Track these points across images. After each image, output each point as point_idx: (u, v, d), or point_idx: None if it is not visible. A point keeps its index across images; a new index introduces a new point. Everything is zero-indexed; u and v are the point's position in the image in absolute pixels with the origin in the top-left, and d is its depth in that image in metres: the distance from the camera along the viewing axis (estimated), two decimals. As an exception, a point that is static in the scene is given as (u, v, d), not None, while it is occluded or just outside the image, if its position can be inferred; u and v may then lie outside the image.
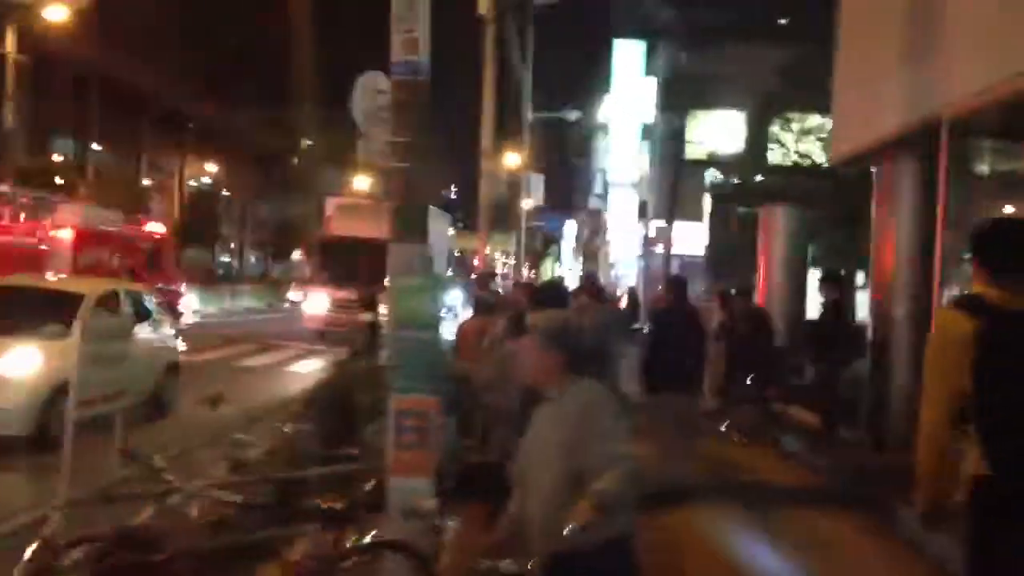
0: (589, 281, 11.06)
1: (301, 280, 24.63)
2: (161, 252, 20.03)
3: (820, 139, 13.38)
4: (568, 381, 3.15)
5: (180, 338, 11.96)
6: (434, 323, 5.87)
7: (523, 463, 3.28)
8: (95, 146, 34.21)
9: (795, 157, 14.35)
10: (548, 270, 47.22)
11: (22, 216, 16.28)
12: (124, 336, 8.64)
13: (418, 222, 5.95)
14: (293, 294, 30.70)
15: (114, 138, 34.72)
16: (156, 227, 21.50)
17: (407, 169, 5.68)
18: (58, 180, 28.74)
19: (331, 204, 22.73)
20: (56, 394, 8.16)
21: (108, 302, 9.66)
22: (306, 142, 49.24)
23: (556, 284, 10.71)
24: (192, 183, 42.81)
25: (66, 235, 15.95)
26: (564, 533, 2.86)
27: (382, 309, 13.65)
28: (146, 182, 37.63)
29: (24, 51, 22.68)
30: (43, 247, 15.48)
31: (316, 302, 20.14)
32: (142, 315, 10.64)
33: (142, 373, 9.72)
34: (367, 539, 4.16)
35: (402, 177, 5.68)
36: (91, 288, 9.74)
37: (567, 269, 43.08)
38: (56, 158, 31.96)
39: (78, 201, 20.09)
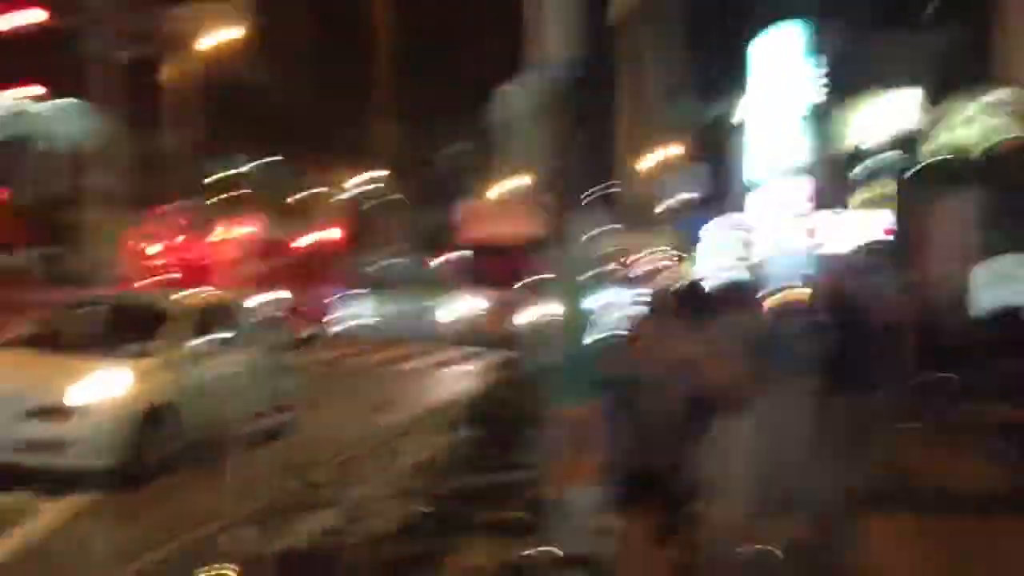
0: (734, 286, 10.57)
1: (445, 284, 25.10)
2: (325, 260, 20.85)
3: (1012, 113, 12.34)
4: (765, 390, 2.93)
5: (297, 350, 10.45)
6: (592, 327, 5.72)
7: (713, 473, 3.09)
8: (264, 161, 36.11)
9: (980, 135, 13.27)
10: (694, 268, 46.12)
11: (196, 230, 17.30)
12: (290, 349, 8.16)
13: (569, 225, 5.82)
14: (441, 298, 31.37)
15: (281, 152, 36.49)
16: (320, 236, 22.42)
17: (555, 172, 5.57)
18: (231, 195, 30.49)
19: (464, 208, 22.74)
20: (144, 420, 7.57)
21: (202, 317, 8.82)
22: (455, 148, 50.38)
23: (740, 284, 10.10)
24: (353, 193, 44.53)
25: (236, 247, 16.83)
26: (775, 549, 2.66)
27: (532, 312, 13.53)
28: (312, 192, 39.44)
29: (201, 74, 24.17)
30: (215, 258, 16.38)
31: (456, 306, 20.28)
32: (241, 332, 9.38)
33: (254, 392, 8.83)
34: (539, 550, 4.04)
35: (550, 180, 5.58)
36: (184, 302, 9.01)
37: (711, 267, 41.82)
38: (229, 174, 33.85)
39: (249, 215, 21.16)
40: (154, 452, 7.65)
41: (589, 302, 5.75)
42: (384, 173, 45.28)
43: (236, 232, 17.24)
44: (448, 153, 50.21)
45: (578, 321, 5.26)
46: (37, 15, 20.24)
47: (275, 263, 18.06)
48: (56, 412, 7.24)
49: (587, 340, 5.37)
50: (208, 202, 23.65)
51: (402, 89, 40.78)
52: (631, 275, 21.91)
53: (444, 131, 47.38)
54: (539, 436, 5.41)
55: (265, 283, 17.10)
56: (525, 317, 16.17)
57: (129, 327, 8.43)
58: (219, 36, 18.39)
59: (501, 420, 6.41)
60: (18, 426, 7.13)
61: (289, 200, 34.82)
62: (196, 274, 15.00)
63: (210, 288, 11.76)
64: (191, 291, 11.18)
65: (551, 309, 5.24)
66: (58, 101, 26.97)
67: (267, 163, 36.86)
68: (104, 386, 7.50)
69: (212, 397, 8.26)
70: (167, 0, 18.44)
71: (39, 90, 25.73)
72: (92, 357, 7.85)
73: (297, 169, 39.17)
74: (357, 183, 45.16)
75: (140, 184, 24.74)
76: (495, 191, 40.23)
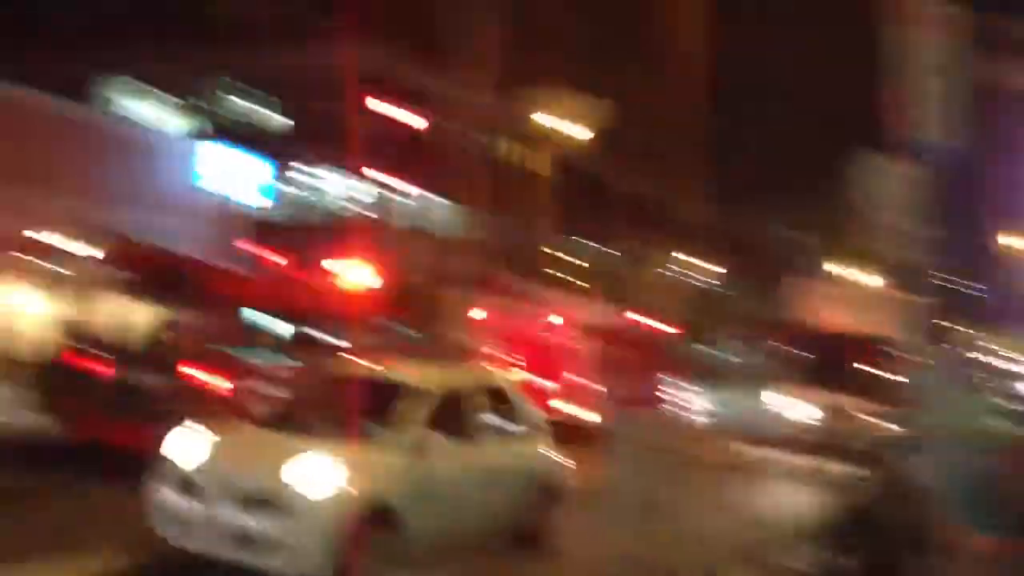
0: None
1: (781, 375, 23.69)
2: (671, 347, 20.79)
3: None
4: None
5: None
6: (996, 442, 5.03)
7: None
8: (607, 249, 37.46)
9: None
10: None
11: (545, 314, 18.04)
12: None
13: (932, 320, 5.28)
14: (778, 391, 29.61)
15: (623, 240, 37.76)
16: (665, 324, 22.47)
17: (918, 261, 5.13)
18: (567, 277, 31.89)
19: (803, 290, 21.20)
20: (366, 522, 6.20)
21: (457, 400, 7.64)
22: (790, 231, 48.86)
23: None
24: (684, 276, 44.74)
25: (588, 331, 17.28)
26: None
27: (889, 415, 12.17)
28: (643, 275, 40.14)
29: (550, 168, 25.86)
30: (566, 342, 16.87)
31: (791, 404, 18.62)
32: (508, 419, 8.29)
33: (503, 494, 7.71)
34: None
35: (911, 269, 5.14)
36: (436, 381, 7.59)
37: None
38: (575, 260, 35.47)
39: (596, 300, 21.81)
40: (374, 557, 6.28)
41: (968, 410, 5.12)
42: (714, 255, 45.04)
43: (584, 316, 17.80)
44: (782, 235, 48.75)
45: (965, 432, 4.68)
46: (414, 118, 22.80)
47: (623, 348, 18.25)
48: (263, 502, 6.22)
49: (980, 455, 4.74)
50: (545, 284, 24.82)
51: (728, 171, 40.76)
52: (1010, 382, 19.44)
53: (775, 211, 46.25)
54: (931, 567, 4.81)
55: (597, 368, 17.31)
56: (880, 420, 14.70)
57: (370, 405, 7.05)
58: (572, 131, 19.56)
59: (875, 544, 5.81)
60: (226, 513, 6.25)
61: (622, 284, 35.68)
62: (530, 356, 15.58)
63: (510, 370, 11.37)
64: (454, 368, 10.05)
65: (947, 418, 4.69)
66: (428, 192, 30.10)
67: (601, 247, 38.18)
68: (321, 476, 6.32)
69: (460, 494, 7.18)
70: (525, 100, 20.02)
71: (413, 181, 28.86)
72: (309, 436, 6.84)
73: (630, 253, 40.15)
74: (688, 266, 45.33)
75: (492, 266, 26.67)
76: (837, 276, 38.15)
